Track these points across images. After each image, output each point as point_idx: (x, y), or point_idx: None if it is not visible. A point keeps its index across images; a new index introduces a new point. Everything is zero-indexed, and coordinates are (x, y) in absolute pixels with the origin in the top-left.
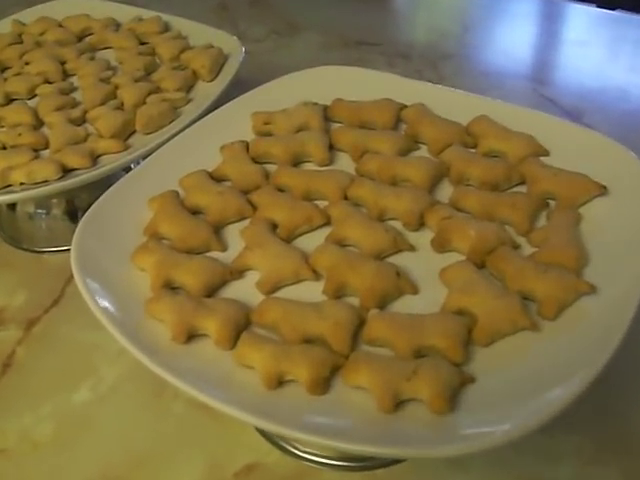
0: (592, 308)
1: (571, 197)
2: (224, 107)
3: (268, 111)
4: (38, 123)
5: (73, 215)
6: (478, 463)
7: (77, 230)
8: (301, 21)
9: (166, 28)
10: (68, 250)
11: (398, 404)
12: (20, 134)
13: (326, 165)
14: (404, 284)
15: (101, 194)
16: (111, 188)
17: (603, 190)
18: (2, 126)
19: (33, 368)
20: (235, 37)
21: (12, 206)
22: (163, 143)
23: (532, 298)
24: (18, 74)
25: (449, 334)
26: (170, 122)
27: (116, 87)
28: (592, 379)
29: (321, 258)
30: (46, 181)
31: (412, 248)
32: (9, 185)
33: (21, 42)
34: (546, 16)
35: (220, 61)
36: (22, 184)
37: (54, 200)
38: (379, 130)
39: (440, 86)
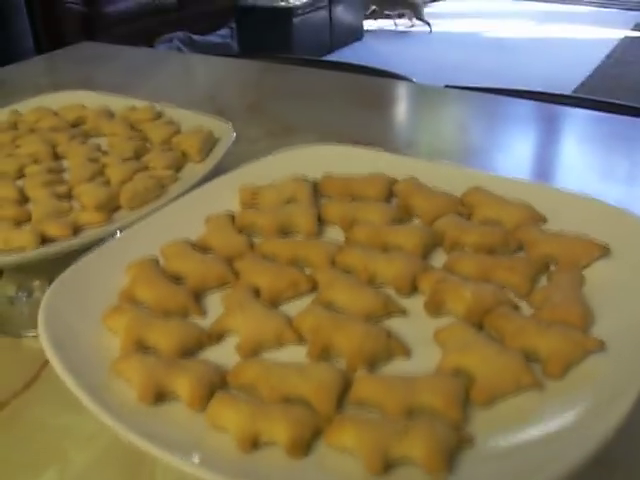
0: (601, 367)
1: (573, 259)
2: (211, 182)
3: (256, 185)
4: (23, 199)
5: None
6: None
7: (50, 288)
8: (297, 123)
9: (159, 116)
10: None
11: (388, 466)
12: (1, 206)
13: (313, 237)
14: (395, 346)
15: None
16: (90, 254)
17: (605, 251)
18: None
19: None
20: (225, 121)
21: None
22: (147, 216)
23: (535, 357)
24: (9, 155)
25: (444, 392)
26: (155, 198)
27: (104, 166)
28: (602, 444)
29: (305, 320)
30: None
31: (404, 312)
32: None
33: (16, 129)
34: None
35: (210, 143)
36: None
37: (36, 282)
38: (370, 202)
39: (432, 162)
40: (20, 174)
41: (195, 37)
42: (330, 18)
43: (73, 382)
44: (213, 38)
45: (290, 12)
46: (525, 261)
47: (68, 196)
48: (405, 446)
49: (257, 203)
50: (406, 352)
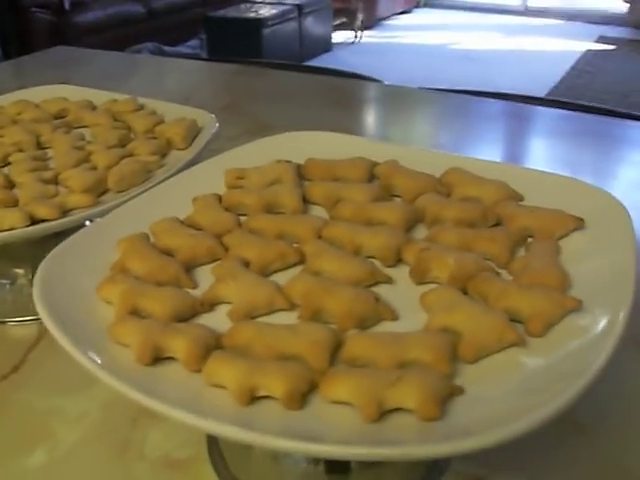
0: (580, 325)
1: (549, 231)
2: (196, 166)
3: (241, 167)
4: (9, 185)
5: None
6: None
7: (41, 265)
8: (273, 122)
9: (140, 108)
10: (33, 320)
11: (382, 415)
12: None
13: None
14: (383, 310)
15: None
16: (79, 231)
17: (580, 223)
18: None
19: None
20: (208, 112)
21: None
22: (135, 197)
23: (518, 318)
24: None
25: (434, 346)
26: (142, 182)
27: (89, 153)
28: (582, 389)
29: (296, 286)
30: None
31: (390, 280)
32: None
33: None
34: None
35: (194, 132)
36: None
37: (20, 270)
38: (352, 183)
39: (411, 146)
40: (4, 162)
41: (165, 48)
42: (300, 29)
43: (74, 348)
44: (183, 49)
45: (260, 23)
46: (504, 233)
47: (54, 182)
48: (399, 394)
49: (242, 185)
50: (394, 315)
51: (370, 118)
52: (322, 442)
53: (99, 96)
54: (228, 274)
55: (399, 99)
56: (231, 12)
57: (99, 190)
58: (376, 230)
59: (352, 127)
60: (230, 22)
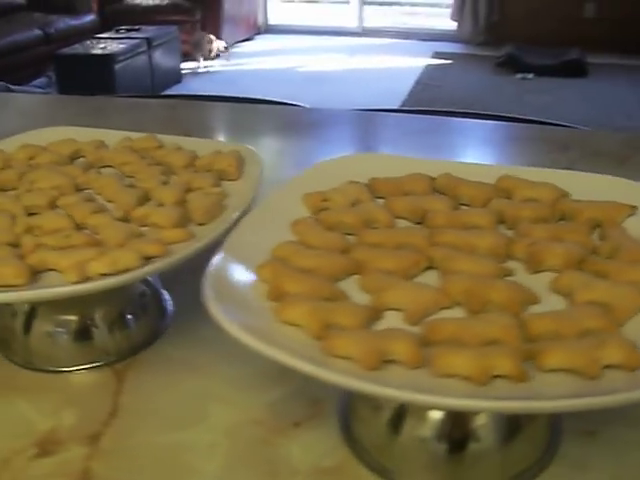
0: None
1: (612, 219)
2: (274, 193)
3: (321, 190)
4: (77, 228)
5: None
6: None
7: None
8: None
9: (161, 144)
10: (98, 366)
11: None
12: (68, 235)
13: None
14: (530, 295)
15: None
16: (213, 262)
17: (633, 209)
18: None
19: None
20: (247, 146)
21: (27, 328)
22: (228, 230)
23: None
24: (29, 191)
25: (600, 316)
26: (221, 213)
27: (146, 191)
28: None
29: (455, 285)
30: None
31: (511, 273)
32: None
33: (10, 167)
34: None
35: (241, 162)
36: (103, 275)
37: (72, 317)
38: (426, 195)
39: (456, 162)
40: (52, 206)
41: (13, 87)
42: (150, 63)
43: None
44: (30, 88)
45: (112, 59)
46: (580, 224)
47: (127, 220)
48: (608, 354)
49: (327, 206)
50: (537, 299)
51: None
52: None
53: (109, 135)
54: (386, 285)
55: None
56: (81, 49)
57: (184, 225)
58: (481, 232)
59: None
60: (81, 59)
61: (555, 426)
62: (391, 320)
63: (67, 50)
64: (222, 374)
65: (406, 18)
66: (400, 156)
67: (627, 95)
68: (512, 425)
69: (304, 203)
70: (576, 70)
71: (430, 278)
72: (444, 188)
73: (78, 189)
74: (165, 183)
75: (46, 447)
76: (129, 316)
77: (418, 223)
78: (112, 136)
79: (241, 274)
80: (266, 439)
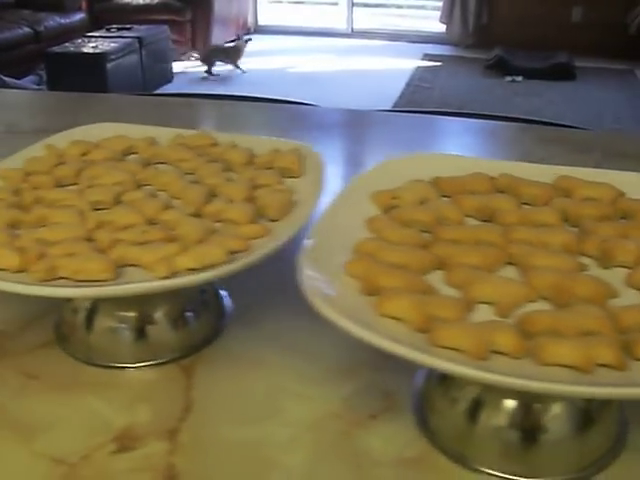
0: None
1: None
2: (344, 190)
3: (389, 189)
4: (148, 223)
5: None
6: None
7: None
8: None
9: (215, 141)
10: (158, 364)
11: None
12: (145, 231)
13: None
14: (610, 289)
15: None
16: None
17: None
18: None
19: (203, 475)
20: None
21: (89, 324)
22: (303, 226)
23: None
24: (91, 187)
25: None
26: (292, 209)
27: (212, 187)
28: None
29: (542, 279)
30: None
31: (586, 268)
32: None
33: (63, 163)
34: None
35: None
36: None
37: (131, 314)
38: (491, 194)
39: (509, 161)
40: (117, 202)
41: (7, 80)
42: (141, 62)
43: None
44: (25, 83)
45: (104, 57)
46: None
47: (198, 216)
48: None
49: (397, 204)
50: (617, 293)
51: None
52: None
53: (159, 132)
54: (474, 278)
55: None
56: (72, 47)
57: (257, 221)
58: (552, 230)
59: None
60: (73, 57)
61: (622, 417)
62: (482, 313)
63: (58, 48)
64: (291, 369)
65: (395, 20)
66: (459, 156)
67: (615, 98)
68: (584, 415)
69: (374, 201)
70: (564, 73)
71: (510, 273)
72: (505, 187)
73: (139, 185)
74: (229, 180)
75: (125, 443)
76: (190, 313)
77: (485, 221)
78: (163, 133)
79: (329, 270)
80: (346, 432)
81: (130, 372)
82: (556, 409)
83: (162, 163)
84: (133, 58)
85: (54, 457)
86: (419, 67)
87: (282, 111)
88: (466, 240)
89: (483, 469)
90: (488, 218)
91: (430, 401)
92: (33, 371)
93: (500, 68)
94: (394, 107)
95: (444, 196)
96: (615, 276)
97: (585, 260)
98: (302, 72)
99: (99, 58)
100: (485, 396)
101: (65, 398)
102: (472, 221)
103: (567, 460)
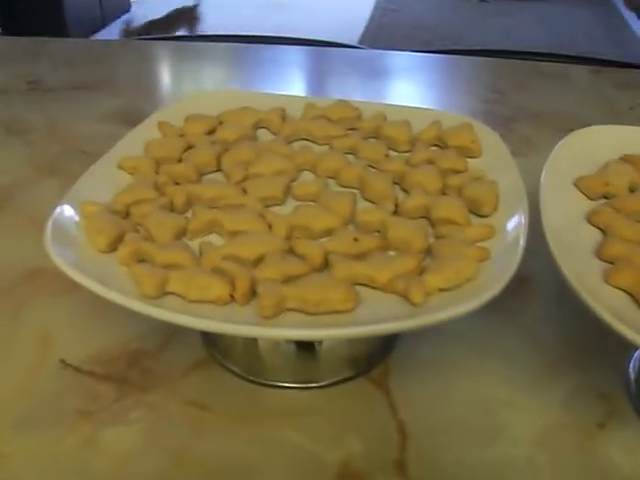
0: None
1: None
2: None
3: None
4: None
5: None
6: None
7: None
8: None
9: (359, 113)
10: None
11: None
12: (356, 239)
13: None
14: None
15: None
16: None
17: None
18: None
19: None
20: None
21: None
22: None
23: None
24: (248, 178)
25: None
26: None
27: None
28: None
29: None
30: None
31: None
32: None
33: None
34: None
35: None
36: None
37: None
38: None
39: None
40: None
41: None
42: None
43: None
44: None
45: None
46: None
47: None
48: None
49: (609, 192)
50: None
51: None
52: None
53: (273, 100)
54: None
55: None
56: None
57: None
58: None
59: None
60: None
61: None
62: None
63: None
64: (494, 374)
65: None
66: (634, 128)
67: (587, 17)
68: None
69: (579, 187)
70: None
71: None
72: None
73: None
74: (413, 166)
75: None
76: None
77: None
78: (290, 102)
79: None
80: (580, 446)
81: (315, 393)
82: None
83: (306, 140)
84: None
85: None
86: None
87: (330, 55)
88: None
89: None
90: None
91: None
92: (200, 399)
93: None
94: (366, 32)
95: None
96: None
97: None
98: None
99: None
100: None
101: (258, 433)
102: None
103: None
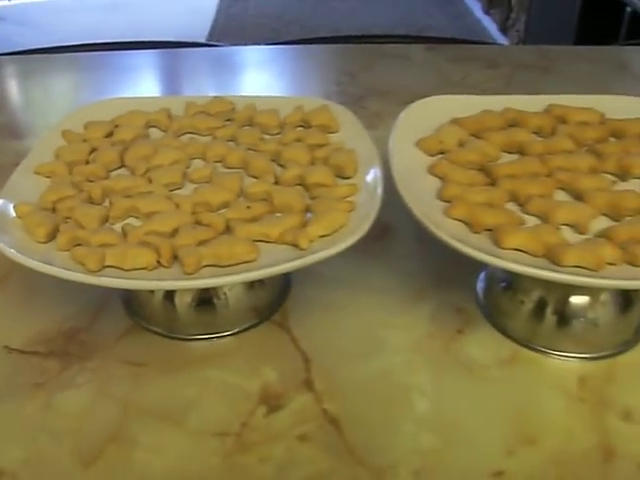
0: None
1: None
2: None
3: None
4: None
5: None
6: None
7: None
8: None
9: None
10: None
11: None
12: (249, 207)
13: None
14: None
15: None
16: None
17: None
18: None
19: (356, 412)
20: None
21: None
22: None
23: None
24: (150, 169)
25: None
26: None
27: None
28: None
29: (599, 198)
30: None
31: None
32: None
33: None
34: None
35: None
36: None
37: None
38: (510, 129)
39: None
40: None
41: None
42: None
43: None
44: None
45: None
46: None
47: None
48: None
49: (444, 148)
50: None
51: None
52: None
53: (155, 103)
54: (553, 205)
55: None
56: None
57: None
58: (578, 155)
59: None
60: None
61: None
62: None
63: None
64: (371, 304)
65: None
66: (461, 96)
67: None
68: None
69: (419, 147)
70: None
71: (563, 197)
72: (514, 121)
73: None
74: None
75: (271, 402)
76: None
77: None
78: (171, 102)
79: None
80: (446, 347)
81: (230, 339)
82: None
83: (191, 133)
84: None
85: (216, 432)
86: None
87: (183, 56)
88: (522, 174)
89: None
90: (517, 151)
91: (499, 307)
92: (134, 358)
93: None
94: (215, 25)
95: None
96: (636, 187)
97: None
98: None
99: None
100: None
101: (188, 377)
102: (506, 156)
103: None
